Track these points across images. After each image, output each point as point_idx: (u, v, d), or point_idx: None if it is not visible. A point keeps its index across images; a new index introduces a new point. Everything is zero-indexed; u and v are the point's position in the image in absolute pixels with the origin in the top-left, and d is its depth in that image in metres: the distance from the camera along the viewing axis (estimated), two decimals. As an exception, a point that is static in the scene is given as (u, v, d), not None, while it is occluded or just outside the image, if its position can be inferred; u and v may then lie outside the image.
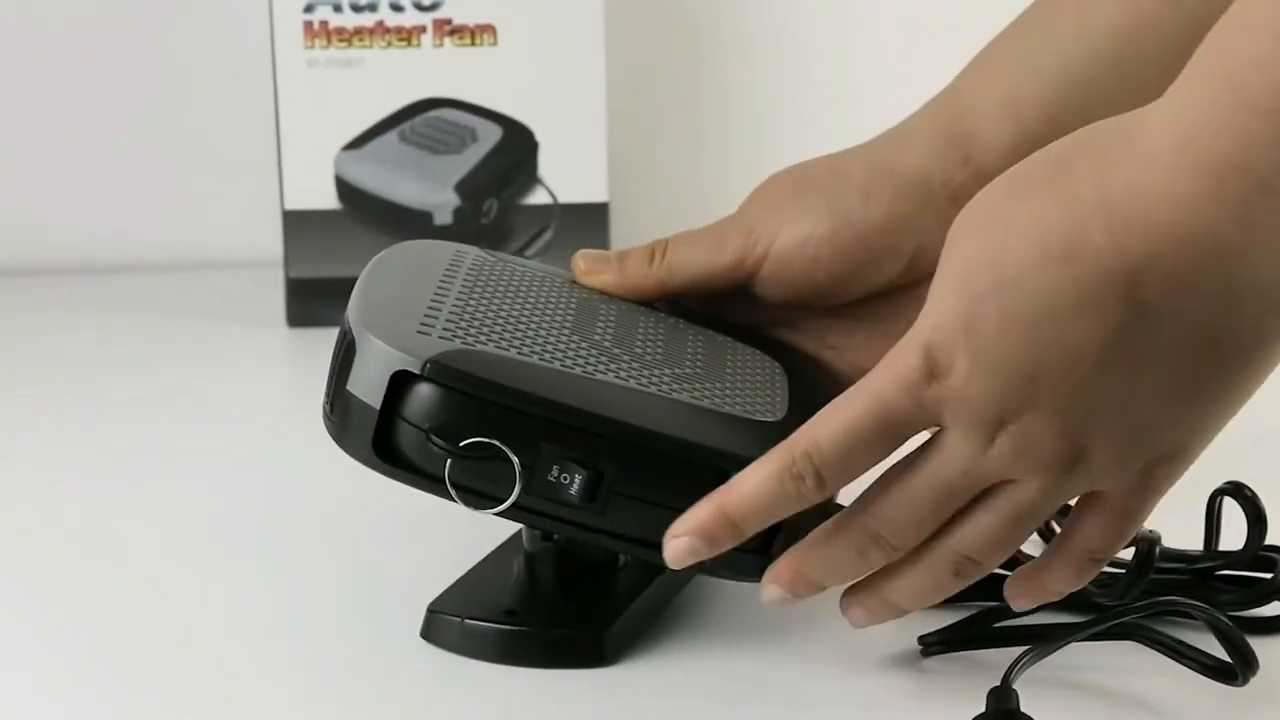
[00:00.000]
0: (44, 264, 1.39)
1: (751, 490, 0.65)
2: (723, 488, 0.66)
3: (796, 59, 1.40)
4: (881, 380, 0.63)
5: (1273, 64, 0.56)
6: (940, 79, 0.81)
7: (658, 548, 0.68)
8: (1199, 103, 0.58)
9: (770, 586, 0.67)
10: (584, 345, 0.71)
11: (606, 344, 0.72)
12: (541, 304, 0.74)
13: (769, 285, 0.77)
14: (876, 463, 0.64)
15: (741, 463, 0.67)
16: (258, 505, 0.91)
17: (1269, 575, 0.73)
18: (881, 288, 0.77)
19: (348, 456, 0.69)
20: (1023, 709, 0.63)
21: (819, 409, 0.72)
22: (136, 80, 1.39)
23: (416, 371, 0.67)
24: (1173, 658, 0.69)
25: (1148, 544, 0.71)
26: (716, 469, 0.67)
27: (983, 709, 0.64)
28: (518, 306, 0.73)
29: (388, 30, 1.24)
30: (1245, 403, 0.64)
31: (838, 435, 0.64)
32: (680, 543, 0.66)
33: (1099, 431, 0.62)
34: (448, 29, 1.24)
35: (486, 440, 0.66)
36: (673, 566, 0.66)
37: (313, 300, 1.25)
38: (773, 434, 0.69)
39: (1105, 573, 0.76)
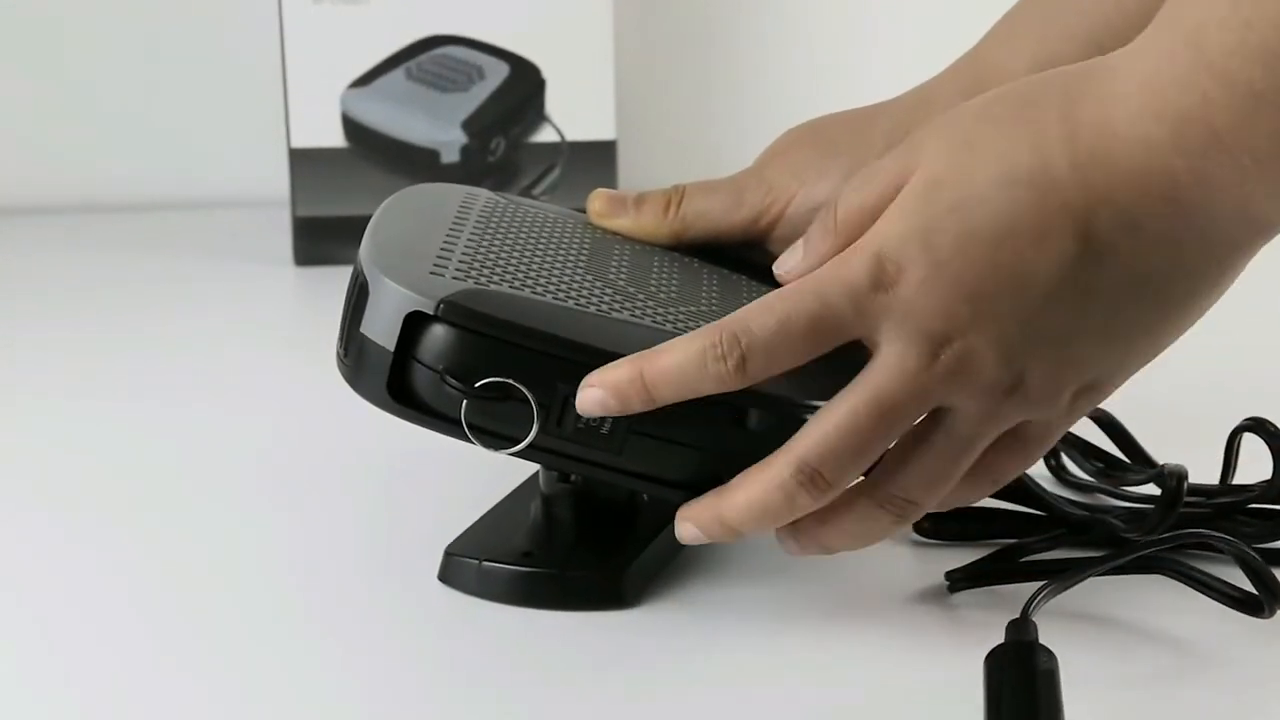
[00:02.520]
0: (50, 203, 1.39)
1: (673, 361, 0.64)
2: (647, 352, 0.65)
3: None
4: (825, 280, 0.63)
5: (1230, 27, 0.57)
6: (957, 24, 0.80)
7: (676, 486, 0.68)
8: (1163, 54, 0.59)
9: (685, 524, 0.67)
10: (598, 284, 0.71)
11: (621, 283, 0.72)
12: (555, 244, 0.74)
13: (782, 245, 0.76)
14: (800, 362, 0.64)
15: (758, 399, 0.67)
16: (269, 446, 0.91)
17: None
18: None
19: (361, 399, 0.69)
20: (1046, 642, 0.63)
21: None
22: (143, 19, 1.38)
23: (430, 312, 0.66)
24: (1199, 590, 0.69)
25: (1176, 478, 0.71)
26: (733, 406, 0.67)
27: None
28: (531, 247, 0.73)
29: (394, -34, 1.24)
30: (1171, 343, 0.65)
31: (769, 324, 0.63)
32: (592, 393, 0.65)
33: (1038, 361, 0.63)
34: (454, -35, 1.24)
35: (502, 380, 0.66)
36: (581, 412, 0.65)
37: (320, 239, 1.25)
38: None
39: (1132, 508, 0.77)
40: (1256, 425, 0.74)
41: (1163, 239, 0.61)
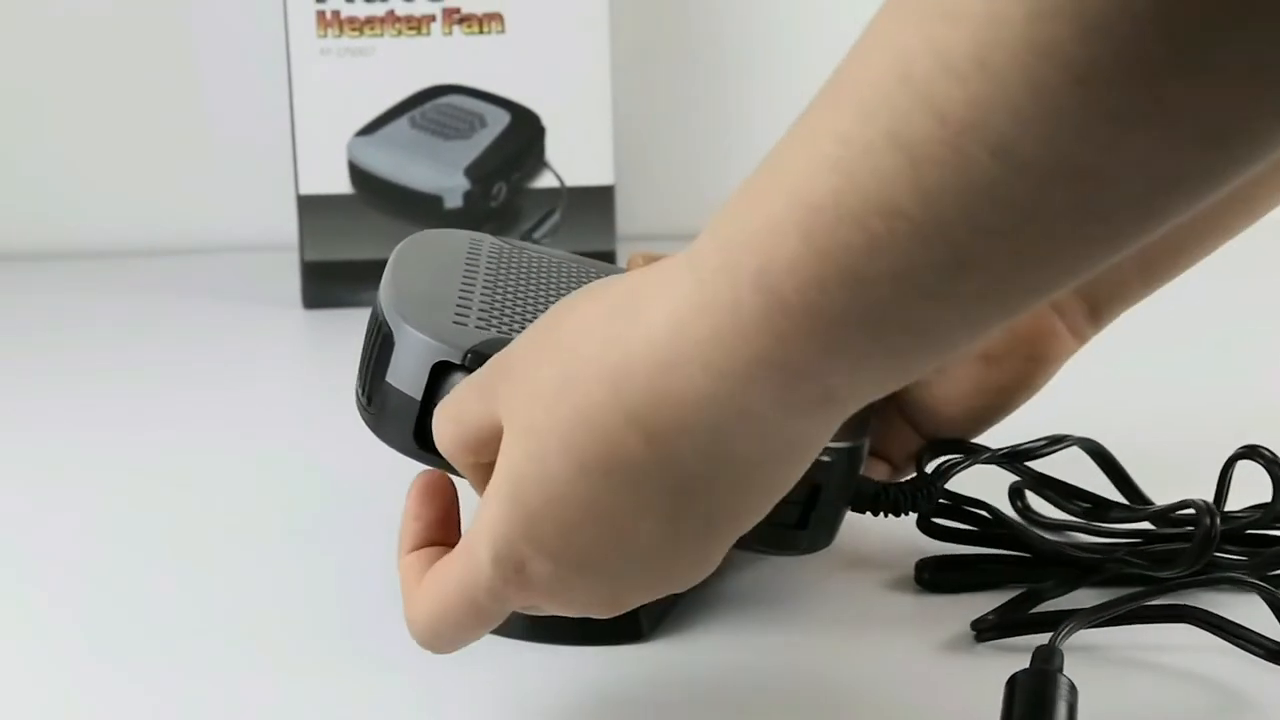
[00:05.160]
0: (60, 248, 1.40)
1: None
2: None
3: (805, 40, 1.39)
4: (465, 585, 0.60)
5: (805, 264, 0.50)
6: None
7: None
8: (723, 303, 0.52)
9: None
10: (612, 332, 0.72)
11: None
12: (564, 291, 0.74)
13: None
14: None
15: None
16: (279, 488, 0.92)
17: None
18: None
19: (380, 443, 0.70)
20: (1072, 680, 0.62)
21: None
22: (155, 70, 1.39)
23: (457, 362, 0.67)
24: (1229, 640, 0.68)
25: (1209, 516, 0.70)
26: None
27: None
28: (543, 293, 0.73)
29: (398, 19, 1.25)
30: None
31: (427, 633, 0.62)
32: None
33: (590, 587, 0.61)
34: (456, 17, 1.26)
35: None
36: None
37: (327, 282, 1.26)
38: None
39: (1164, 549, 0.74)
40: (1251, 453, 0.73)
41: (744, 465, 0.56)
